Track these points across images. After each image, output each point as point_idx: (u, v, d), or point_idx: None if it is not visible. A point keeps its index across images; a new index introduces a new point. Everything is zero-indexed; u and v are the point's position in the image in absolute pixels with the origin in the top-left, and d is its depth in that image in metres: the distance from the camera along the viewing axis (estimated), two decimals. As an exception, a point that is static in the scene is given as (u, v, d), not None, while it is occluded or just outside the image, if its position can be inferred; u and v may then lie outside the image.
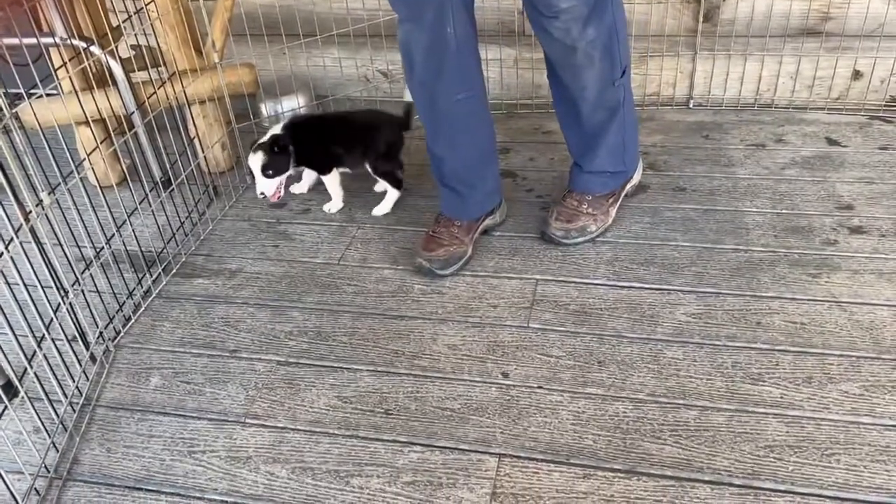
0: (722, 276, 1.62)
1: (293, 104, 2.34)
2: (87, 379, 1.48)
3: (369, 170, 1.91)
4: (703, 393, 1.33)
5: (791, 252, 1.67)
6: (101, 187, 1.71)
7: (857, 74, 2.24)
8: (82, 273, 1.56)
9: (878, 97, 2.26)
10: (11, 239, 1.24)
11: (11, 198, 1.29)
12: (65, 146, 1.48)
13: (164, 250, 1.83)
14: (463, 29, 1.48)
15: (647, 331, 1.49)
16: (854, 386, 1.32)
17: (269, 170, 1.80)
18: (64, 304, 1.42)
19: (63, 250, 1.44)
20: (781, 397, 1.31)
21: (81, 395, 1.44)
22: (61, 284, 1.43)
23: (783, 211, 1.80)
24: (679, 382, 1.36)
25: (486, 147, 1.71)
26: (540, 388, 1.37)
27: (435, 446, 1.27)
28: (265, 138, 1.82)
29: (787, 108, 2.31)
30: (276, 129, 1.85)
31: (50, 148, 1.41)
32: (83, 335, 1.51)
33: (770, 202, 1.84)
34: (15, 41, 1.50)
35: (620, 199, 1.82)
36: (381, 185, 1.98)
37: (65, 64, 1.65)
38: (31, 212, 1.33)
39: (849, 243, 1.67)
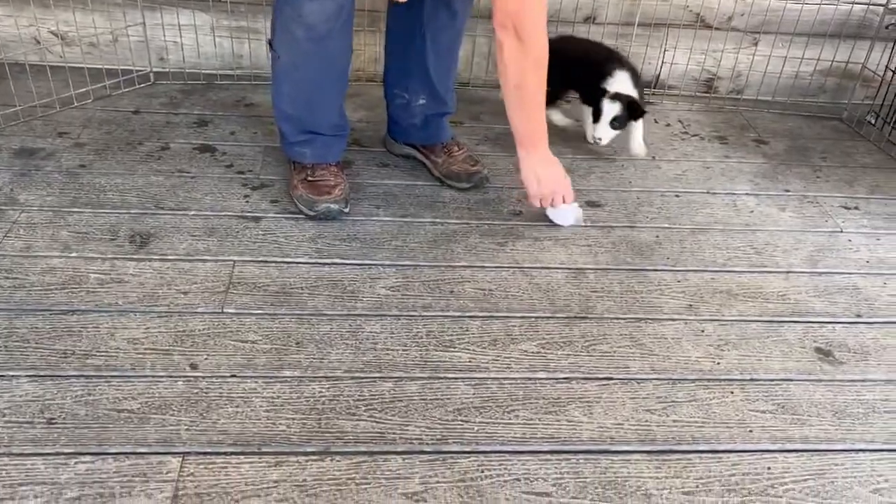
0: (420, 248, 1.66)
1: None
2: None
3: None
4: (399, 364, 1.35)
5: (482, 223, 1.77)
6: None
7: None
8: None
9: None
10: None
11: None
12: None
13: None
14: None
15: (347, 307, 1.48)
16: (533, 345, 1.43)
17: None
18: None
19: None
20: (470, 361, 1.37)
21: None
22: None
23: (476, 185, 1.90)
24: (376, 356, 1.37)
25: (343, 85, 1.76)
26: (233, 376, 1.29)
27: (108, 454, 1.13)
28: None
29: (483, 86, 2.45)
30: None
31: None
32: None
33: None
34: None
35: None
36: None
37: None
38: None
39: (531, 212, 1.80)
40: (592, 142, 2.03)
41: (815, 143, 2.32)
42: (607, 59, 2.05)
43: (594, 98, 1.98)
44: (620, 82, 1.97)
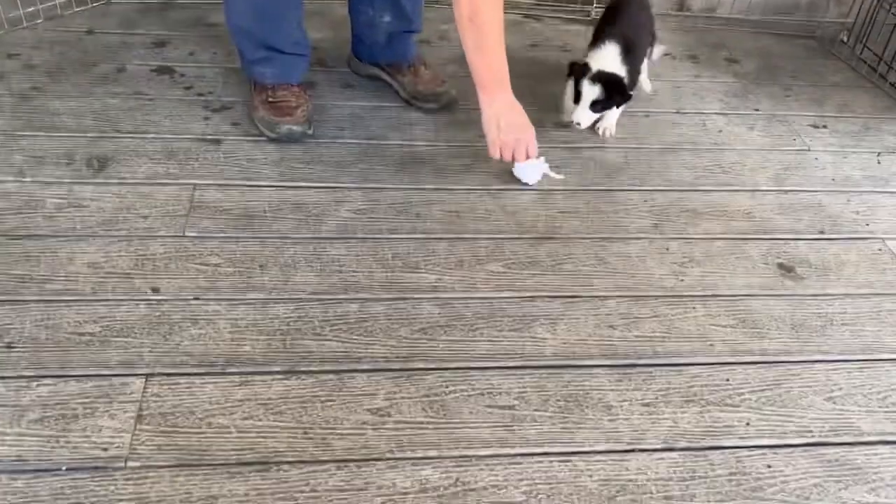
0: (386, 171, 1.64)
1: None
2: None
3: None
4: (364, 286, 1.35)
5: (450, 145, 1.74)
6: None
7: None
8: None
9: (529, -3, 2.41)
10: None
11: None
12: None
13: None
14: None
15: (311, 230, 1.46)
16: (499, 265, 1.43)
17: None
18: None
19: None
20: (436, 282, 1.37)
21: None
22: None
23: (443, 105, 1.86)
24: (342, 278, 1.36)
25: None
26: (196, 299, 1.28)
27: (70, 376, 1.13)
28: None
29: (448, 6, 2.37)
30: None
31: None
32: None
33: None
34: None
35: None
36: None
37: None
38: None
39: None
40: (571, 122, 1.77)
41: (786, 62, 2.29)
42: (603, 23, 1.84)
43: (574, 73, 1.74)
44: (605, 57, 1.73)
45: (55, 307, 1.23)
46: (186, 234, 1.41)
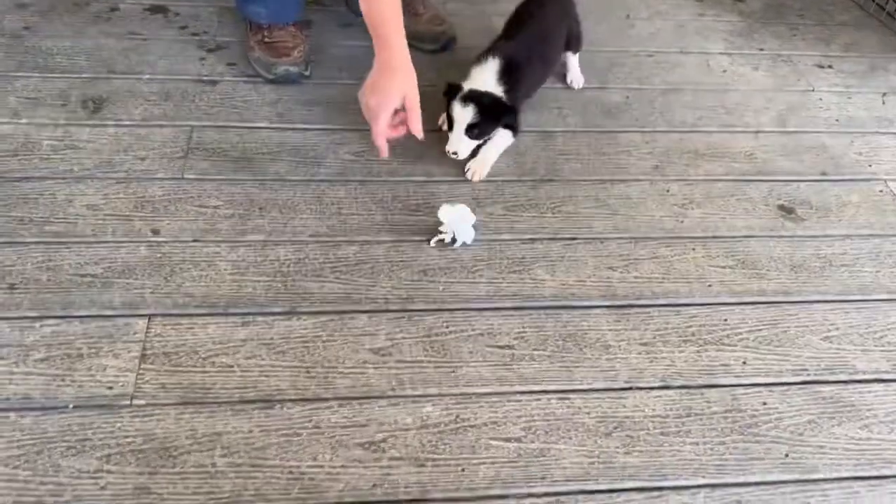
0: (385, 112, 1.62)
1: None
2: None
3: None
4: (364, 228, 1.35)
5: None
6: None
7: None
8: None
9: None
10: None
11: None
12: None
13: None
14: None
15: (310, 172, 1.45)
16: (498, 207, 1.42)
17: None
18: None
19: None
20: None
21: None
22: None
23: (442, 46, 1.83)
24: (341, 220, 1.36)
25: None
26: (195, 241, 1.28)
27: (73, 316, 1.14)
28: None
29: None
30: None
31: None
32: None
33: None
34: None
35: None
36: None
37: None
38: None
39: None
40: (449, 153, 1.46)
41: (793, 1, 2.24)
42: (501, 40, 1.58)
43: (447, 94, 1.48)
44: (481, 75, 1.47)
45: (55, 249, 1.24)
46: (185, 176, 1.40)
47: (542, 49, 1.60)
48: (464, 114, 1.42)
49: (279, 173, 1.44)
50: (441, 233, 1.33)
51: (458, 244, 1.33)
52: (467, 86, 1.46)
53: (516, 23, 1.61)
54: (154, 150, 1.45)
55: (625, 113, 1.69)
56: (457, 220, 1.31)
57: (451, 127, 1.45)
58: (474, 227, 1.33)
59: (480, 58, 1.51)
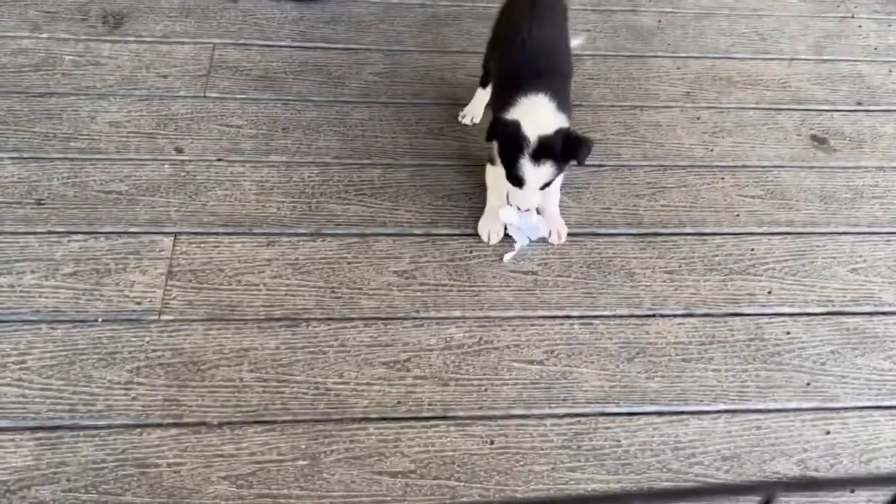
0: (409, 32, 1.58)
1: None
2: None
3: None
4: (388, 151, 1.33)
5: (475, 5, 1.66)
6: None
7: None
8: None
9: None
10: None
11: None
12: None
13: None
14: None
15: (333, 93, 1.43)
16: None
17: None
18: None
19: None
20: (460, 149, 1.35)
21: None
22: None
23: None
24: (365, 142, 1.34)
25: None
26: (219, 160, 1.28)
27: (100, 233, 1.14)
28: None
29: None
30: None
31: None
32: None
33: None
34: None
35: None
36: None
37: None
38: None
39: None
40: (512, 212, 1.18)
41: (836, -78, 2.14)
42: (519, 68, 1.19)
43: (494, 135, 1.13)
44: (533, 110, 1.11)
45: (80, 165, 1.23)
46: (207, 94, 1.38)
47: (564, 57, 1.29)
48: (538, 173, 1.09)
49: (302, 93, 1.42)
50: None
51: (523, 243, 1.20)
52: (523, 121, 1.09)
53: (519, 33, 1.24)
54: (176, 68, 1.43)
55: (656, 37, 1.64)
56: (524, 224, 1.18)
57: (514, 178, 1.10)
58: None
59: (515, 83, 1.15)
